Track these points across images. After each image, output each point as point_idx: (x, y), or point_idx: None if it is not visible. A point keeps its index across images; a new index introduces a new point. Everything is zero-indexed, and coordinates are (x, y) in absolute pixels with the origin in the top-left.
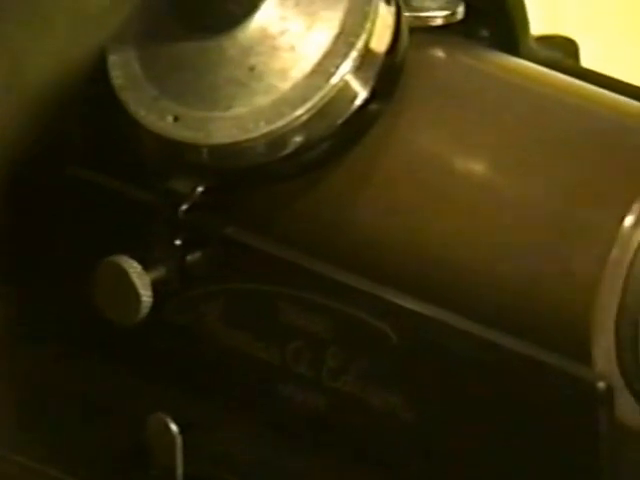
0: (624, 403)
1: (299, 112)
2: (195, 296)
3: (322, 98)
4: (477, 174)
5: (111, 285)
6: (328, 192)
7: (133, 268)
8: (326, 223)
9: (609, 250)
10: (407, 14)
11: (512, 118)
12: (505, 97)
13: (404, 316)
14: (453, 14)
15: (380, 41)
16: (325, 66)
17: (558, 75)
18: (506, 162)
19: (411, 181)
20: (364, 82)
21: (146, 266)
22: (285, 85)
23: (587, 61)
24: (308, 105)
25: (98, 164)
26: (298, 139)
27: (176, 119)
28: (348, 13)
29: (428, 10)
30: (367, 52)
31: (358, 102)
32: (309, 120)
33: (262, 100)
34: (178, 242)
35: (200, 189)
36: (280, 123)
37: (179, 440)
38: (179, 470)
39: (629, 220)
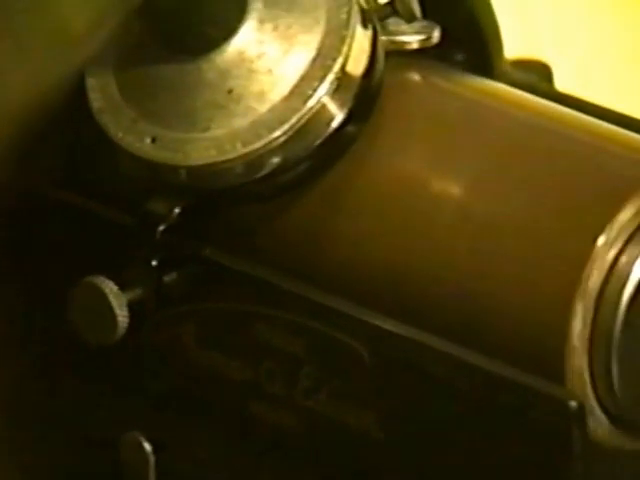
0: (596, 421)
1: (276, 134)
2: (170, 315)
3: (299, 120)
4: (452, 196)
5: (88, 305)
6: (305, 213)
7: (110, 288)
8: (302, 243)
9: (582, 271)
10: (383, 38)
11: (487, 140)
12: (480, 120)
13: (377, 336)
14: (429, 38)
15: (357, 64)
16: (302, 89)
17: (532, 98)
18: (481, 184)
19: (387, 202)
20: (341, 104)
21: (123, 286)
22: (263, 107)
23: (561, 84)
24: (285, 127)
25: (76, 185)
26: (275, 160)
27: (154, 140)
28: (325, 37)
29: (404, 34)
30: (344, 75)
31: (335, 124)
32: (286, 142)
33: (240, 122)
34: (155, 263)
35: (177, 210)
36: (257, 145)
37: (152, 459)
38: None
39: (601, 241)
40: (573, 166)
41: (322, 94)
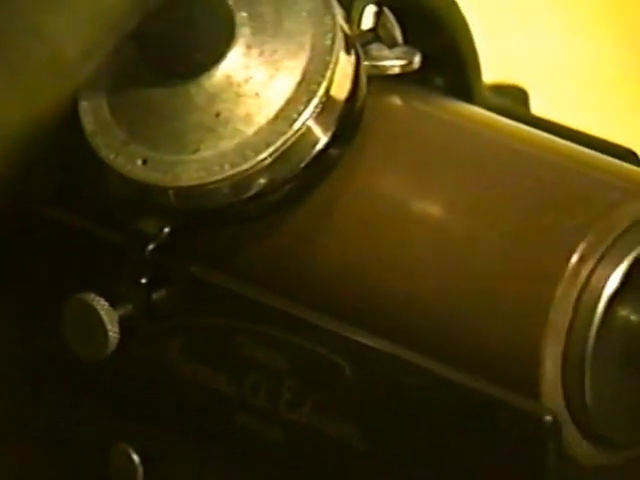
0: (570, 436)
1: (263, 156)
2: (158, 330)
3: (285, 142)
4: (432, 217)
5: (79, 321)
6: (289, 232)
7: (101, 305)
8: (287, 261)
9: (556, 288)
10: (366, 63)
11: (464, 161)
12: (459, 143)
13: (358, 351)
14: (410, 63)
15: (340, 89)
16: (288, 112)
17: (508, 122)
18: (459, 205)
19: (369, 221)
20: (325, 128)
21: (113, 303)
22: (249, 130)
23: (537, 109)
24: (271, 149)
25: (70, 205)
26: (262, 181)
27: (145, 162)
28: (310, 62)
29: (386, 59)
30: (328, 99)
31: (319, 146)
32: (272, 163)
33: (227, 144)
34: (144, 280)
35: (167, 229)
36: (244, 166)
37: (140, 470)
38: None
39: (575, 259)
40: (547, 187)
41: (307, 117)
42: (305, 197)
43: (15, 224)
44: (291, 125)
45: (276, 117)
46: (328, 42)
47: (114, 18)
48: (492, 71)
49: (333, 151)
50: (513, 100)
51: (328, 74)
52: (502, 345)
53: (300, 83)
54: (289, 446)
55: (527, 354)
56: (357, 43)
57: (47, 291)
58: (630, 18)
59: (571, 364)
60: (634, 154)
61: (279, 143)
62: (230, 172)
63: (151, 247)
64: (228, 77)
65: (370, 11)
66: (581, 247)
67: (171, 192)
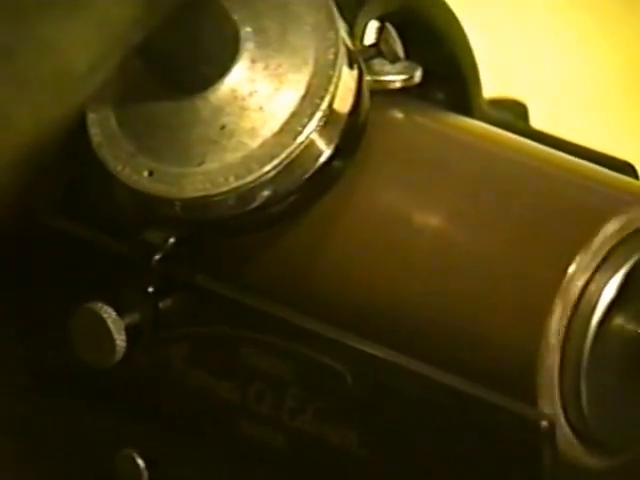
0: (566, 441)
1: (267, 168)
2: (164, 339)
3: (289, 155)
4: (433, 228)
5: (87, 330)
6: (293, 243)
7: (108, 314)
8: (290, 272)
9: (553, 297)
10: (368, 77)
11: (464, 174)
12: (459, 156)
13: (360, 359)
14: (411, 78)
15: (343, 103)
16: (292, 125)
17: (508, 135)
18: (461, 217)
19: (370, 232)
20: (328, 141)
21: (120, 312)
22: (254, 143)
23: (536, 123)
24: (275, 162)
25: (77, 216)
26: (266, 193)
27: (151, 174)
28: (313, 76)
29: (388, 74)
30: (331, 113)
31: (322, 159)
32: (276, 176)
33: (232, 157)
34: (151, 290)
35: (172, 240)
36: (249, 178)
37: (146, 475)
38: None
39: (572, 269)
40: (545, 198)
41: (311, 130)
42: (308, 209)
43: (23, 234)
44: (295, 138)
45: (280, 130)
46: (331, 57)
47: (120, 30)
48: (492, 86)
49: (336, 164)
50: (513, 114)
51: (331, 88)
52: (500, 352)
53: (304, 97)
54: (291, 452)
55: (525, 361)
56: (360, 58)
57: (55, 300)
58: (629, 34)
59: (568, 371)
60: (632, 167)
61: (283, 156)
62: (235, 184)
63: (157, 257)
64: (233, 91)
65: (373, 26)
66: (578, 258)
67: (177, 203)
